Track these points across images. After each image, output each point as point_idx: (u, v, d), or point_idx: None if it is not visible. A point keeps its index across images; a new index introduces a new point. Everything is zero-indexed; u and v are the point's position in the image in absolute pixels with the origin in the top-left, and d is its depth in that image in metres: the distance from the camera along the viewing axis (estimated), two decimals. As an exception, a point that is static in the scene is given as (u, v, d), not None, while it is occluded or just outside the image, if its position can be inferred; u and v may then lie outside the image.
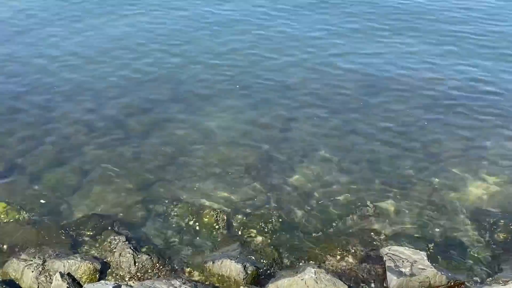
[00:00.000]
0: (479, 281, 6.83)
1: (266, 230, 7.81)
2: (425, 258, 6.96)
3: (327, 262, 7.17)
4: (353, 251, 7.35)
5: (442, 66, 12.85)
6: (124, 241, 7.28)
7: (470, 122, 10.59)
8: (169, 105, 11.01)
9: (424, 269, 6.75)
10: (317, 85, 11.95)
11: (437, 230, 7.90)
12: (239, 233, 7.78)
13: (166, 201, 8.32)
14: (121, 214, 8.07)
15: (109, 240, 7.38)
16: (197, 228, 7.84)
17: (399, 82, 12.11)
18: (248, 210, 8.22)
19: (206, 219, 7.96)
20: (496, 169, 9.18)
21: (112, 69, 12.44)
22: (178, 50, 13.42)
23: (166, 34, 14.38)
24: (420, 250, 7.20)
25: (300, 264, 7.15)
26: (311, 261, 7.19)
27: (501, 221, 7.98)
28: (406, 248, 7.23)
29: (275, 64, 12.89)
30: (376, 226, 7.96)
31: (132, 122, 10.40)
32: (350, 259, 7.23)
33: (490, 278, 6.75)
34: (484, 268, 7.15)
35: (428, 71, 12.64)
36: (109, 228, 7.71)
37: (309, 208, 8.31)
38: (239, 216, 8.07)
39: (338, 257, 7.26)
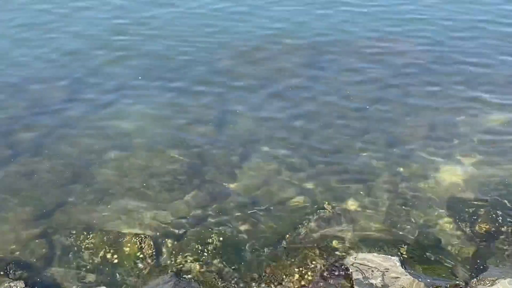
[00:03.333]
0: (462, 284, 7.10)
1: (205, 253, 7.73)
2: (398, 264, 7.14)
3: (284, 283, 7.20)
4: (312, 265, 7.43)
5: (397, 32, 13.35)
6: (23, 288, 7.00)
7: (434, 94, 11.05)
8: (65, 107, 10.71)
9: (398, 277, 6.93)
10: (250, 65, 12.04)
11: (408, 228, 8.14)
12: (172, 260, 7.66)
13: (74, 231, 8.07)
14: (16, 253, 7.75)
15: (2, 289, 7.07)
16: (117, 260, 7.64)
17: (346, 52, 12.48)
18: (180, 231, 8.12)
19: (128, 248, 7.78)
20: (470, 147, 9.63)
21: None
22: (68, 36, 13.17)
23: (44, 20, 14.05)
24: (392, 255, 7.38)
25: (251, 290, 7.15)
26: (264, 284, 7.18)
27: (481, 209, 8.33)
28: (375, 254, 7.40)
29: (193, 43, 12.91)
30: (337, 232, 8.08)
31: (17, 132, 10.01)
32: (310, 276, 7.30)
33: (475, 279, 7.02)
34: (467, 268, 7.45)
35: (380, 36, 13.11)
36: (2, 273, 7.38)
37: (256, 219, 8.31)
38: (170, 240, 7.96)
39: (297, 275, 7.32)
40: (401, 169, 9.17)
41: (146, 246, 7.77)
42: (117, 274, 7.46)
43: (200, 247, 7.81)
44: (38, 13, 14.33)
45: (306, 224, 8.20)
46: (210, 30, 13.58)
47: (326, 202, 8.55)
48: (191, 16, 14.30)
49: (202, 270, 7.49)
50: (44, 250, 7.81)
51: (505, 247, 7.74)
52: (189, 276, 7.39)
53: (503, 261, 7.49)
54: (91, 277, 7.43)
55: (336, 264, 7.44)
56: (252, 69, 12.03)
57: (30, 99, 10.98)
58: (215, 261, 7.62)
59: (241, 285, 7.28)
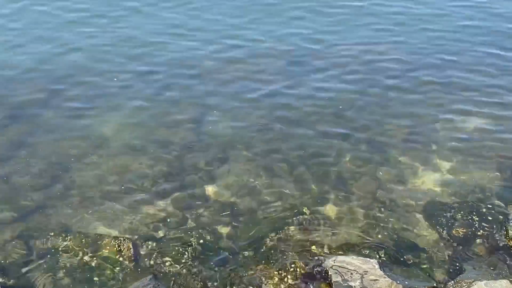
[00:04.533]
0: (440, 286, 7.20)
1: (185, 256, 7.73)
2: (377, 266, 7.21)
3: (264, 287, 7.22)
4: (292, 269, 7.46)
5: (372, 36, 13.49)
6: (-1, 292, 6.94)
7: (413, 99, 11.21)
8: (43, 109, 10.62)
9: (377, 279, 7.00)
10: (229, 68, 12.10)
11: (387, 231, 8.22)
12: (151, 263, 7.64)
13: (51, 234, 8.01)
14: (-8, 257, 7.66)
15: (-22, 293, 6.99)
16: (95, 263, 7.60)
17: (325, 57, 12.62)
18: (160, 234, 8.11)
19: (106, 251, 7.74)
20: (448, 153, 9.75)
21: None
22: (43, 39, 13.06)
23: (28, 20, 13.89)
24: (370, 258, 7.46)
25: (231, 293, 7.15)
26: (244, 288, 7.22)
27: (459, 214, 8.46)
28: (354, 257, 7.45)
29: (170, 45, 12.93)
30: (316, 236, 8.12)
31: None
32: (290, 279, 7.33)
33: (452, 282, 7.13)
34: (445, 271, 7.56)
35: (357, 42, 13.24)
36: (-23, 277, 7.28)
37: (235, 223, 8.34)
38: (149, 243, 7.94)
39: (276, 278, 7.34)
40: (380, 173, 9.26)
41: (125, 249, 7.74)
42: (96, 278, 7.40)
43: (179, 250, 7.80)
44: (15, 15, 14.23)
45: (285, 227, 8.23)
46: (187, 31, 13.57)
47: (305, 207, 8.61)
48: (166, 16, 14.29)
49: (182, 273, 7.47)
50: (21, 253, 7.73)
51: (481, 251, 7.88)
52: (169, 279, 7.37)
53: (480, 264, 7.62)
54: (68, 281, 7.36)
55: (316, 267, 7.49)
56: (231, 73, 12.04)
57: (7, 101, 10.85)
58: (194, 264, 7.60)
59: (222, 287, 7.30)
